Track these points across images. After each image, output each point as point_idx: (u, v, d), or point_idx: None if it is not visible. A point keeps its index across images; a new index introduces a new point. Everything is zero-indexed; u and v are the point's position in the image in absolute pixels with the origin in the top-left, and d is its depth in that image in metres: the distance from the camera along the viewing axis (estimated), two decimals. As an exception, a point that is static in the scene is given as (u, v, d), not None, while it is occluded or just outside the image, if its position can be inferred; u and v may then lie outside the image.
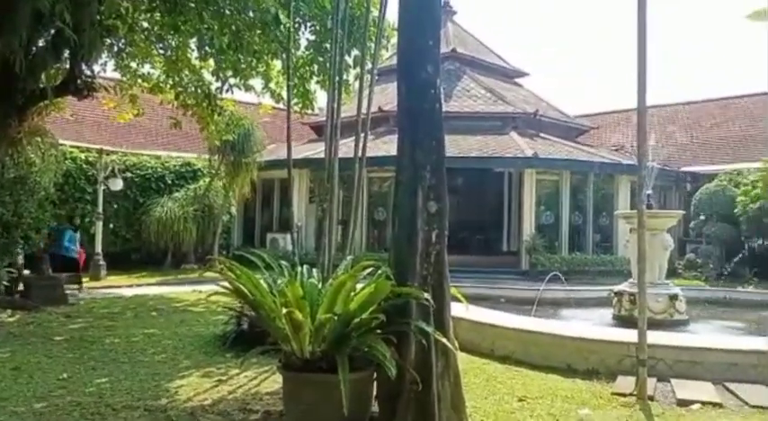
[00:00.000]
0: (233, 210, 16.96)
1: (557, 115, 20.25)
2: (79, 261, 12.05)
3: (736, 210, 14.64)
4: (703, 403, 4.37)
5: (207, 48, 8.05)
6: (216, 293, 4.14)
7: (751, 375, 4.95)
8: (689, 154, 19.97)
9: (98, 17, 7.14)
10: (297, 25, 8.67)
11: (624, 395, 4.60)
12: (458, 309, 4.62)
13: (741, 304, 10.08)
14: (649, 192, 8.08)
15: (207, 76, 9.45)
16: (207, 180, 15.97)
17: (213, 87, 9.34)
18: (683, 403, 4.39)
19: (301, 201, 16.81)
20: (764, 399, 4.46)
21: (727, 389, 4.70)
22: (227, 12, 7.85)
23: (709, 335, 6.86)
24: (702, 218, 15.93)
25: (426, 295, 3.49)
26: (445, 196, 3.74)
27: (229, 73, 8.76)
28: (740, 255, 10.45)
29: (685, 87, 47.83)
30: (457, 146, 15.44)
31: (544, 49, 50.01)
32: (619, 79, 46.69)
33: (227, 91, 9.13)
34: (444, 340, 3.54)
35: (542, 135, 18.01)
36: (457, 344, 3.90)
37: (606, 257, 15.70)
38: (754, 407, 4.32)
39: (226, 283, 3.94)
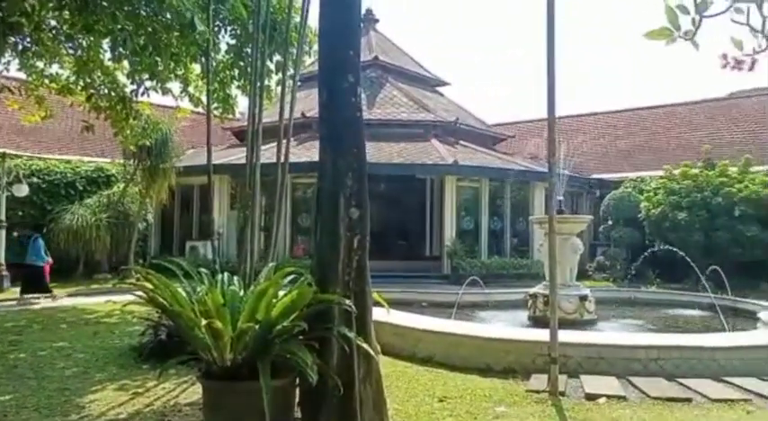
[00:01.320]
0: (150, 217, 16.33)
1: (475, 124, 20.92)
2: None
3: (640, 215, 15.63)
4: (609, 397, 4.66)
5: (121, 49, 7.74)
6: (132, 303, 4.00)
7: (652, 369, 5.33)
8: (598, 162, 21.15)
9: (-1, 14, 6.73)
10: (216, 28, 8.51)
11: (538, 392, 4.83)
12: (380, 314, 4.70)
13: (645, 303, 10.80)
14: (561, 198, 8.52)
15: (121, 78, 9.09)
16: (121, 186, 15.30)
17: (128, 90, 8.99)
18: (591, 397, 4.67)
19: (222, 207, 16.43)
20: (664, 391, 4.81)
21: (631, 383, 5.03)
22: (143, 13, 7.59)
23: (614, 332, 7.31)
24: (610, 222, 16.91)
25: (348, 301, 3.54)
26: (367, 202, 3.80)
27: (145, 75, 8.46)
28: (642, 257, 11.18)
29: (595, 99, 50.70)
30: (380, 152, 15.63)
31: (463, 59, 51.52)
32: (534, 90, 48.80)
33: (142, 94, 8.81)
34: (366, 345, 3.59)
35: (462, 143, 18.53)
36: (379, 349, 3.97)
37: (523, 261, 16.33)
38: (654, 398, 4.65)
39: (142, 293, 3.82)
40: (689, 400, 4.57)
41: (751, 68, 3.61)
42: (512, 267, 15.95)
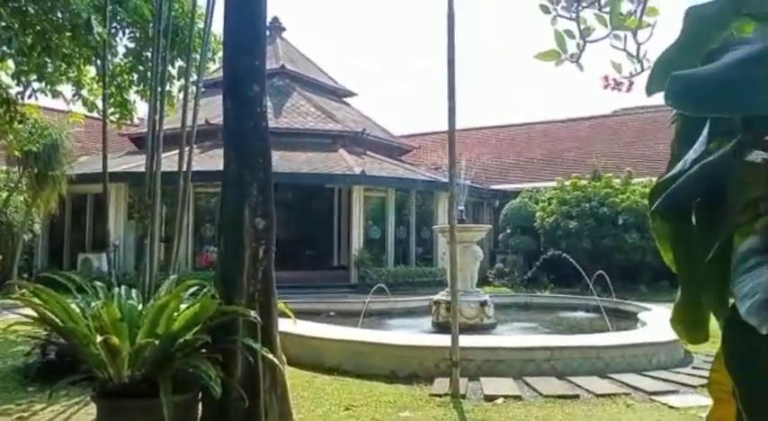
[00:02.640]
0: (37, 228, 15.20)
1: (382, 135, 21.29)
2: None
3: (535, 224, 16.55)
4: (506, 397, 4.92)
5: (5, 47, 7.22)
6: (17, 323, 3.74)
7: (545, 369, 5.68)
8: (498, 173, 22.17)
9: None
10: (114, 30, 8.14)
11: (440, 395, 5.01)
12: (287, 325, 4.69)
13: (539, 307, 11.43)
14: (462, 207, 8.86)
15: (5, 78, 8.45)
16: (4, 194, 14.15)
17: (13, 91, 8.37)
18: (490, 398, 4.91)
19: (119, 217, 15.61)
20: (555, 389, 5.14)
21: (526, 383, 5.34)
22: (31, 10, 7.13)
23: (511, 336, 7.69)
24: (509, 231, 17.76)
25: (253, 312, 3.52)
26: (272, 212, 3.81)
27: (33, 77, 7.92)
28: (537, 264, 11.88)
29: (497, 112, 53.08)
30: (287, 162, 15.52)
31: (371, 70, 52.26)
32: (440, 102, 50.33)
33: (30, 96, 8.23)
34: (272, 356, 3.58)
35: (369, 153, 18.79)
36: (285, 359, 3.96)
37: (428, 269, 16.77)
38: (546, 396, 4.96)
39: (29, 310, 3.59)
40: (577, 397, 4.92)
41: (629, 90, 3.98)
42: (417, 275, 16.33)
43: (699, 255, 1.31)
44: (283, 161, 15.15)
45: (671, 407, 4.56)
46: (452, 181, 5.58)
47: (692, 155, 1.40)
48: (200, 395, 3.58)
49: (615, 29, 3.83)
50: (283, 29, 22.52)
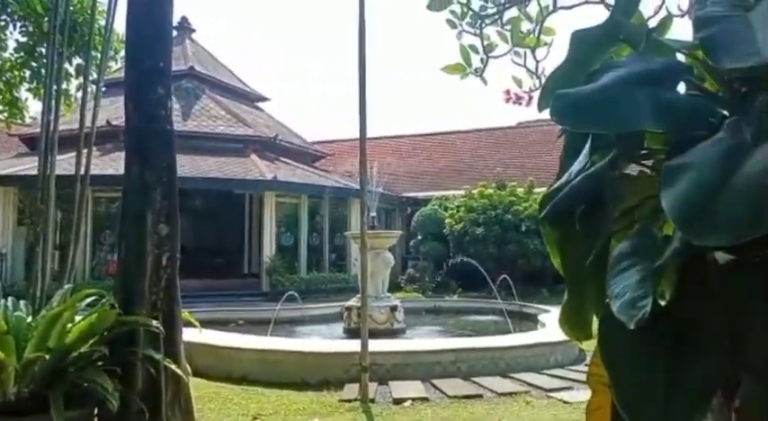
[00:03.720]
0: None
1: (295, 140, 21.12)
2: None
3: (445, 231, 17.00)
4: (414, 399, 5.03)
5: None
6: None
7: (451, 370, 5.86)
8: (409, 181, 22.57)
9: None
10: (3, 23, 7.59)
11: (350, 401, 5.04)
12: (193, 334, 4.56)
13: (448, 311, 11.76)
14: (374, 214, 8.97)
15: None
16: None
17: None
18: (398, 401, 5.00)
19: (7, 223, 14.45)
20: (460, 390, 5.31)
21: (433, 385, 5.48)
22: None
23: (420, 339, 7.86)
24: (419, 237, 18.13)
25: (155, 322, 3.39)
26: (177, 218, 3.70)
27: None
28: (444, 269, 12.24)
29: (410, 121, 54.13)
30: (196, 166, 15.03)
31: (283, 75, 51.76)
32: (353, 110, 50.61)
33: None
34: (174, 367, 3.47)
35: (282, 159, 18.56)
36: (189, 370, 3.84)
37: (341, 275, 16.78)
38: (451, 397, 5.12)
39: None
40: (480, 396, 5.12)
41: (528, 104, 4.20)
42: (330, 282, 16.29)
43: (581, 259, 1.43)
44: (192, 166, 14.67)
45: (565, 403, 4.85)
46: (363, 188, 5.65)
47: (576, 166, 1.52)
48: (96, 410, 3.40)
49: (516, 46, 4.04)
50: (193, 30, 21.81)
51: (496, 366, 5.93)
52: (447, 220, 17.00)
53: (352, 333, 8.35)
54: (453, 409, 4.78)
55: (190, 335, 4.17)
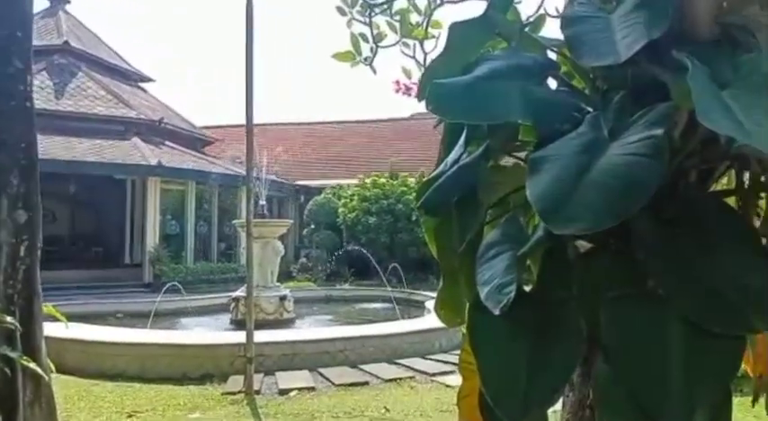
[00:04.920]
0: None
1: (182, 124, 20.15)
2: None
3: (338, 220, 17.02)
4: (300, 389, 4.99)
5: None
6: None
7: (339, 359, 5.87)
8: (303, 169, 22.33)
9: None
10: None
11: (234, 393, 4.90)
12: (61, 330, 4.21)
13: (339, 300, 11.80)
14: (263, 202, 8.78)
15: None
16: None
17: None
18: (284, 392, 4.93)
19: None
20: (347, 378, 5.34)
21: (321, 374, 5.47)
22: None
23: (308, 329, 7.82)
24: (313, 226, 18.02)
25: (10, 318, 3.08)
26: (38, 204, 3.37)
27: None
28: (336, 258, 12.26)
29: (307, 108, 53.47)
30: (71, 149, 13.89)
31: (171, 57, 49.17)
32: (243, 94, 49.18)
33: None
34: (33, 365, 3.17)
35: (168, 143, 17.65)
36: (53, 368, 3.54)
37: (231, 265, 16.30)
38: (338, 385, 5.13)
39: None
40: (367, 383, 5.18)
41: (418, 95, 4.26)
42: (219, 272, 15.79)
43: (456, 247, 1.45)
44: (67, 148, 13.55)
45: (447, 386, 5.02)
46: (250, 174, 5.49)
47: (452, 156, 1.53)
48: (-62, 417, 3.04)
49: (404, 37, 4.07)
50: (67, 1, 20.08)
51: (384, 353, 6.02)
52: (340, 209, 17.02)
53: (239, 324, 8.12)
54: (339, 397, 4.80)
55: (57, 331, 3.84)
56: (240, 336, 5.64)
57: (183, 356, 5.61)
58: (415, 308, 9.69)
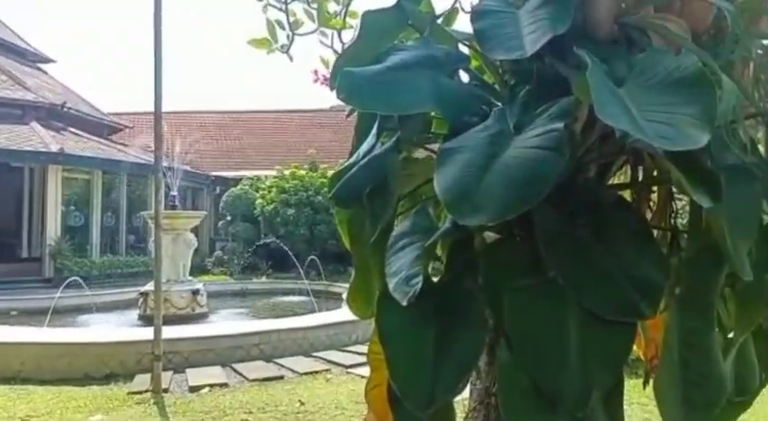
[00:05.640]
0: None
1: (88, 110, 18.99)
2: None
3: (255, 212, 16.66)
4: (212, 386, 4.84)
5: None
6: None
7: (254, 353, 5.75)
8: (219, 159, 21.68)
9: None
10: None
11: (140, 392, 4.68)
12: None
13: (255, 293, 11.56)
14: (174, 193, 8.45)
15: None
16: None
17: None
18: (195, 389, 4.77)
19: None
20: (262, 373, 5.24)
21: (234, 370, 5.33)
22: None
23: (222, 324, 7.60)
24: (229, 218, 17.56)
25: None
26: None
27: None
28: (252, 250, 12.02)
29: (220, 97, 51.80)
30: (-42, 133, 12.76)
31: (74, 37, 46.18)
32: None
33: None
34: None
35: (71, 129, 16.59)
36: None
37: (140, 259, 15.59)
38: (252, 380, 5.02)
39: None
40: (282, 377, 5.11)
41: (330, 84, 4.23)
42: (128, 266, 15.08)
43: (368, 239, 1.43)
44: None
45: (363, 378, 5.01)
46: (158, 163, 5.26)
47: (364, 147, 1.51)
48: None
49: (322, 26, 4.01)
50: (-45, -29, 18.39)
51: (300, 346, 5.96)
52: (258, 201, 16.68)
53: (147, 320, 7.77)
54: (253, 392, 4.70)
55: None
56: (148, 333, 5.40)
57: (85, 355, 5.28)
58: (334, 300, 9.65)
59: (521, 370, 1.11)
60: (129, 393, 4.68)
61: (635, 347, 1.48)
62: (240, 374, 5.17)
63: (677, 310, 1.20)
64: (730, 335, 1.37)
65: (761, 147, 1.33)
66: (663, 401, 1.20)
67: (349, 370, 5.26)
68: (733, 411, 1.39)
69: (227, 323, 7.59)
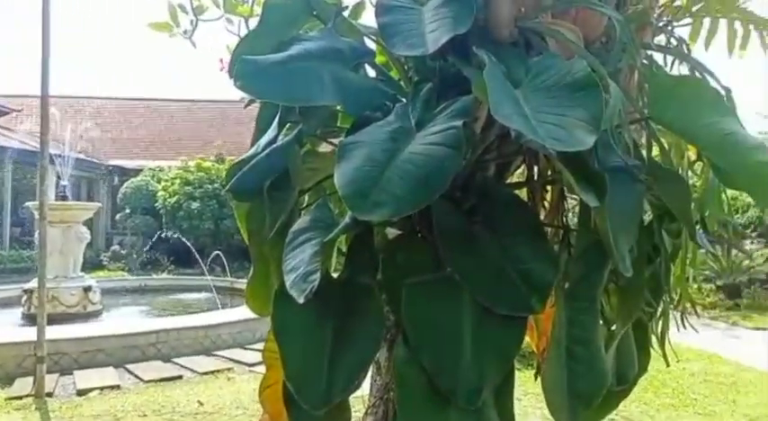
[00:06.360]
0: None
1: (-33, 89, 17.34)
2: None
3: (157, 204, 15.90)
4: (102, 388, 4.55)
5: None
6: None
7: (151, 353, 5.47)
8: (119, 148, 20.51)
9: None
10: None
11: (20, 397, 4.32)
12: None
13: (155, 290, 11.03)
14: (65, 183, 7.90)
15: None
16: None
17: None
18: (83, 392, 4.46)
19: None
20: (158, 373, 4.99)
21: (128, 371, 5.04)
22: None
23: (115, 322, 7.17)
24: (128, 211, 16.65)
25: None
26: None
27: None
28: (151, 245, 11.47)
29: (119, 84, 48.94)
30: None
31: (-43, 8, 41.97)
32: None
33: None
34: None
35: (-54, 110, 15.08)
36: None
37: (25, 253, 14.44)
38: (148, 381, 4.77)
39: None
40: (180, 377, 4.89)
41: (229, 71, 4.11)
42: (12, 261, 13.93)
43: (268, 234, 1.38)
44: None
45: (266, 376, 4.92)
46: (45, 149, 4.89)
47: (265, 139, 1.46)
48: None
49: (228, 12, 3.87)
50: None
51: (201, 345, 5.74)
52: (160, 193, 15.92)
53: (32, 319, 7.18)
54: (149, 394, 4.47)
55: None
56: (31, 333, 4.99)
57: (-44, 359, 4.82)
58: (239, 297, 9.34)
59: (416, 365, 1.11)
60: (7, 398, 4.30)
61: (528, 340, 1.53)
62: (135, 375, 4.90)
63: (565, 304, 1.25)
64: (613, 328, 1.45)
65: (643, 152, 1.40)
66: (549, 391, 1.25)
67: (252, 368, 5.13)
68: (613, 399, 1.48)
69: (120, 321, 7.17)
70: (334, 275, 1.41)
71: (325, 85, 1.26)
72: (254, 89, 1.29)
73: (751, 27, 1.74)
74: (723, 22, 1.78)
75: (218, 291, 8.95)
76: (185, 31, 3.76)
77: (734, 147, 1.22)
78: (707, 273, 9.28)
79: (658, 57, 1.52)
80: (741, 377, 5.30)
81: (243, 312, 6.81)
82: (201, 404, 4.22)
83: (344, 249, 1.43)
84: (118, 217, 16.83)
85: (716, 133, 1.24)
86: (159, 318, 7.18)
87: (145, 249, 12.75)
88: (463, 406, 1.08)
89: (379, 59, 1.62)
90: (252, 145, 1.55)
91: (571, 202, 1.57)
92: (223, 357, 5.52)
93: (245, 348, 5.86)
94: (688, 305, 1.63)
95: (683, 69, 1.47)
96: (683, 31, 1.74)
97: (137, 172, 17.52)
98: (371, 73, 1.53)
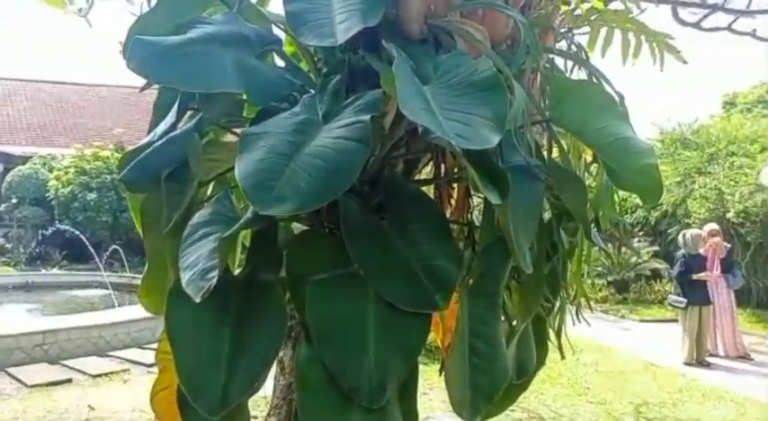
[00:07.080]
0: None
1: None
2: None
3: (48, 195, 14.84)
4: (-22, 395, 4.17)
5: None
6: None
7: (37, 355, 5.07)
8: (5, 133, 18.92)
9: None
10: None
11: None
12: None
13: (44, 286, 10.26)
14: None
15: None
16: None
17: None
18: (-45, 400, 4.07)
19: None
20: (45, 377, 4.62)
21: (9, 374, 4.65)
22: None
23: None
24: (14, 201, 15.44)
25: None
26: None
27: None
28: (41, 239, 10.68)
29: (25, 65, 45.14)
30: None
31: None
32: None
33: None
34: None
35: None
36: None
37: None
38: (32, 386, 4.42)
39: None
40: (70, 381, 4.57)
41: (122, 52, 3.92)
42: None
43: (163, 227, 1.29)
44: None
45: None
46: None
47: (162, 127, 1.36)
48: None
49: (133, -5, 3.65)
50: None
51: (94, 345, 5.39)
52: (52, 183, 14.84)
53: None
54: (33, 400, 4.13)
55: None
56: None
57: None
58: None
59: (319, 364, 1.08)
60: None
61: (434, 335, 1.54)
62: (17, 380, 4.52)
63: (467, 300, 1.26)
64: (514, 324, 1.49)
65: (544, 152, 1.44)
66: (451, 385, 1.26)
67: (150, 369, 4.87)
68: (513, 393, 1.52)
69: (2, 321, 6.60)
70: (237, 272, 1.35)
71: (228, 71, 1.20)
72: (147, 72, 1.21)
73: (642, 38, 1.85)
74: (618, 33, 1.88)
75: (116, 288, 8.46)
76: (80, 9, 3.51)
77: (624, 151, 1.28)
78: (599, 269, 9.91)
79: (559, 61, 1.57)
80: (629, 366, 5.70)
81: (140, 310, 6.48)
82: (93, 409, 3.96)
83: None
84: (2, 207, 15.53)
85: (609, 136, 1.29)
86: (46, 317, 6.69)
87: (33, 243, 11.81)
88: (366, 405, 1.06)
89: (288, 49, 1.57)
90: (149, 132, 1.46)
91: (476, 200, 1.60)
92: (119, 358, 5.22)
93: (144, 348, 5.58)
94: (583, 300, 1.70)
95: (582, 75, 1.53)
96: (582, 38, 1.83)
97: (25, 159, 16.23)
98: (280, 63, 1.48)
